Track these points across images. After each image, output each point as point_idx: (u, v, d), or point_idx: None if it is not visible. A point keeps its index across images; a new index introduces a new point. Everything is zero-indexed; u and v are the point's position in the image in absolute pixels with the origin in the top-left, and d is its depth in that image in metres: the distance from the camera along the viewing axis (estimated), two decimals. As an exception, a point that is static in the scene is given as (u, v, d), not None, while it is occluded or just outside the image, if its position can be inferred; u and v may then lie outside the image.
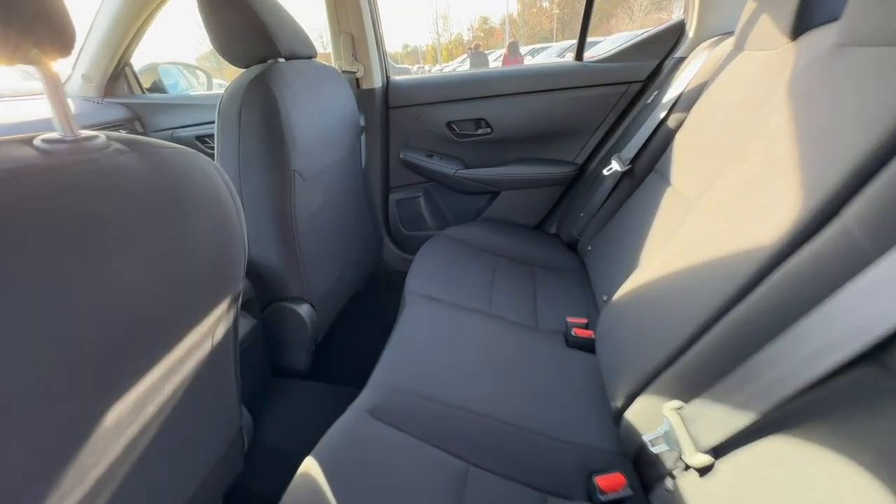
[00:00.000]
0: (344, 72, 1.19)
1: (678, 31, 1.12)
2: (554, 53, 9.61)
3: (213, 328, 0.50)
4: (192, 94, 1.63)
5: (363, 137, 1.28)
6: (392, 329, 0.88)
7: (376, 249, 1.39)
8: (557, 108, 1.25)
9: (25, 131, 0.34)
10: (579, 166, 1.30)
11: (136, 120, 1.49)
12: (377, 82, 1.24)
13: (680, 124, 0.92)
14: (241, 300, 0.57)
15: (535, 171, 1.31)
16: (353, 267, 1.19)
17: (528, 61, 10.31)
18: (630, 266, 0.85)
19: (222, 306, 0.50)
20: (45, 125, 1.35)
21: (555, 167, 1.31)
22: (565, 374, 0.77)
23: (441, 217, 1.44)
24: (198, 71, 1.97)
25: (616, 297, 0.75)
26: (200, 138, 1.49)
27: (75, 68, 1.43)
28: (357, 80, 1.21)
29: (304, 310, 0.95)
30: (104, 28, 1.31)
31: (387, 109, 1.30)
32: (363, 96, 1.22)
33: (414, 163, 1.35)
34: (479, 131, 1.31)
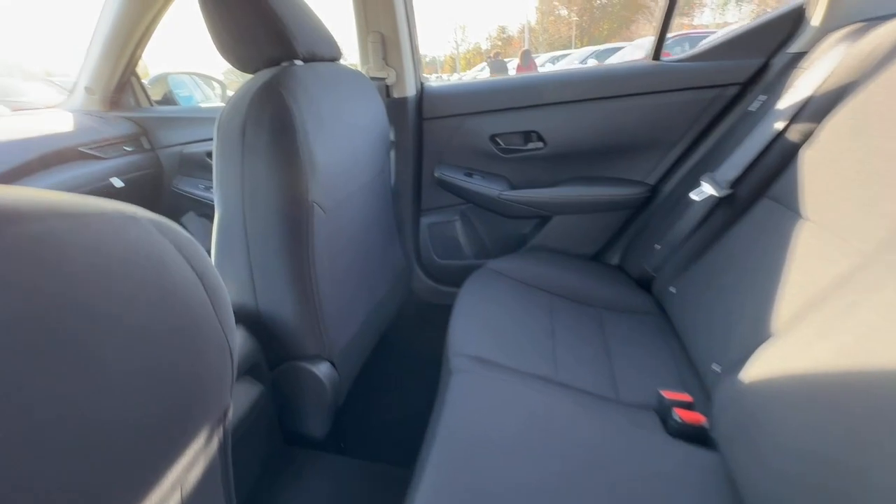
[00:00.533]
0: (372, 78, 1.01)
1: (794, 19, 0.90)
2: (576, 60, 9.40)
3: (180, 479, 0.32)
4: (203, 106, 1.49)
5: (392, 153, 1.11)
6: (424, 385, 0.69)
7: (405, 282, 1.21)
8: (627, 118, 1.04)
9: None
10: (652, 187, 1.09)
11: (143, 135, 1.36)
12: (410, 90, 1.06)
13: (807, 137, 0.71)
14: (230, 414, 0.38)
15: (597, 193, 1.10)
16: (380, 308, 1.00)
17: (549, 69, 10.12)
18: (753, 327, 0.63)
19: (195, 445, 0.31)
20: (46, 141, 1.23)
21: (621, 188, 1.10)
22: (680, 488, 0.56)
23: (480, 244, 1.25)
24: (213, 81, 1.85)
25: (748, 375, 0.53)
26: (211, 154, 1.34)
27: (78, 80, 1.30)
28: (387, 87, 1.04)
29: (322, 370, 0.76)
30: (105, 36, 1.18)
31: (420, 121, 1.12)
32: (394, 106, 1.05)
33: (450, 182, 1.16)
34: (529, 146, 1.11)
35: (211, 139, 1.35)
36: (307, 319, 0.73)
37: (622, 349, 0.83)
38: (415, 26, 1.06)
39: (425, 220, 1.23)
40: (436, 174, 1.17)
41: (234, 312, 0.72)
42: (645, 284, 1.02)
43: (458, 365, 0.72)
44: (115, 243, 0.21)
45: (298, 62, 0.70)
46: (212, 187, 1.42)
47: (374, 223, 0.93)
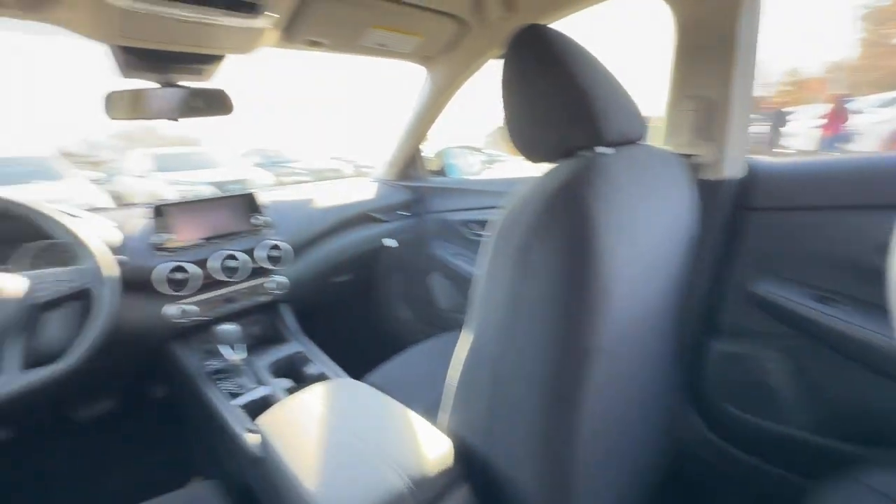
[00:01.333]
0: (681, 155, 0.77)
1: None
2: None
3: None
4: (463, 178, 1.59)
5: None
6: None
7: (673, 426, 0.85)
8: None
9: None
10: None
11: (416, 202, 1.53)
12: (732, 170, 0.76)
13: None
14: None
15: None
16: (643, 472, 0.70)
17: (880, 114, 7.26)
18: None
19: None
20: (351, 206, 1.54)
21: None
22: None
23: (814, 406, 0.77)
24: (475, 151, 2.00)
25: None
26: (466, 223, 1.38)
27: (388, 155, 1.58)
28: (697, 166, 0.77)
29: None
30: (408, 122, 1.40)
31: (740, 211, 0.79)
32: (704, 190, 0.76)
33: (782, 305, 0.76)
34: None
35: (468, 209, 1.39)
36: (548, 493, 0.52)
37: None
38: (752, 89, 0.75)
39: (717, 346, 0.86)
40: (754, 289, 0.79)
41: (463, 458, 0.56)
42: None
43: None
44: None
45: (604, 149, 0.53)
46: (459, 254, 1.47)
47: (657, 352, 0.66)
